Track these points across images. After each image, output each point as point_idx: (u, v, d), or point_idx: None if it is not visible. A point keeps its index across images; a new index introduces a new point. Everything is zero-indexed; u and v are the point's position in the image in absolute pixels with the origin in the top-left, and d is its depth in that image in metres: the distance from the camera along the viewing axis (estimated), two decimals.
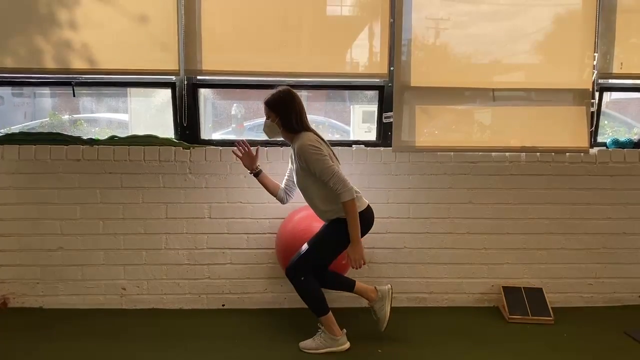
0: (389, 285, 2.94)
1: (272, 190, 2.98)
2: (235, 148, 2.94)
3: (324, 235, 2.75)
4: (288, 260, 2.83)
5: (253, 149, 2.95)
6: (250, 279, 3.36)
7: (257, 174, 2.96)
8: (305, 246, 2.75)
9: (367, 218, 2.76)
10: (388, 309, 2.87)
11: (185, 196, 3.29)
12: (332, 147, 2.79)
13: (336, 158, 2.78)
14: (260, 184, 2.98)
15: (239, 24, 3.36)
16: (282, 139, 2.81)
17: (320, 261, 2.78)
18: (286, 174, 3.00)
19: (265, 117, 2.78)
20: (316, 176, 2.63)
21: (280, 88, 2.75)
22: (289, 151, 3.24)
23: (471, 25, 3.43)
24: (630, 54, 3.49)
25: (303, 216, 3.08)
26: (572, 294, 3.47)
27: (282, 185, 2.99)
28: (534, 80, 3.46)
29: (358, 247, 2.65)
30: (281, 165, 3.22)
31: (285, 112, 2.70)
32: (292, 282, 2.74)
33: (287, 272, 2.76)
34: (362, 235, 2.72)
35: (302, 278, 2.71)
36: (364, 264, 2.68)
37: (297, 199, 3.14)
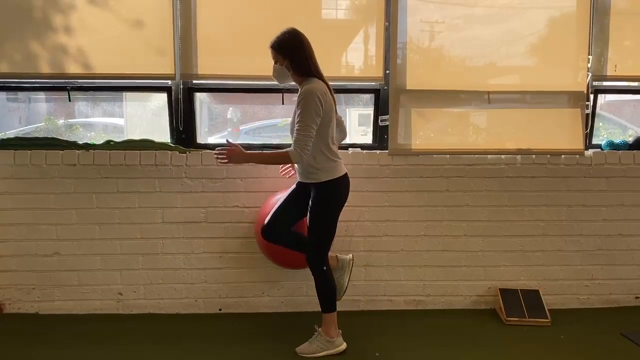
0: (351, 255, 2.92)
1: None
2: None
3: (316, 214, 2.67)
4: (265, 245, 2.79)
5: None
6: (248, 283, 3.36)
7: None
8: (307, 234, 2.72)
9: (345, 184, 2.72)
10: (346, 279, 2.85)
11: (182, 200, 3.29)
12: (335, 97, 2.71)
13: (336, 114, 2.72)
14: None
15: (234, 28, 3.36)
16: (293, 83, 2.72)
17: (329, 238, 2.72)
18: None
19: (273, 62, 2.69)
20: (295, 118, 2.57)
21: (285, 29, 2.66)
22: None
23: (466, 28, 3.44)
24: (624, 57, 3.51)
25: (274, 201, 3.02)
26: (568, 296, 3.48)
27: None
28: (529, 83, 3.47)
29: (243, 157, 2.60)
30: (278, 169, 3.22)
31: (293, 53, 2.61)
32: (314, 273, 2.72)
33: (309, 264, 2.72)
34: (341, 200, 2.69)
35: (324, 268, 2.71)
36: (224, 161, 2.59)
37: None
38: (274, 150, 2.65)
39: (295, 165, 2.76)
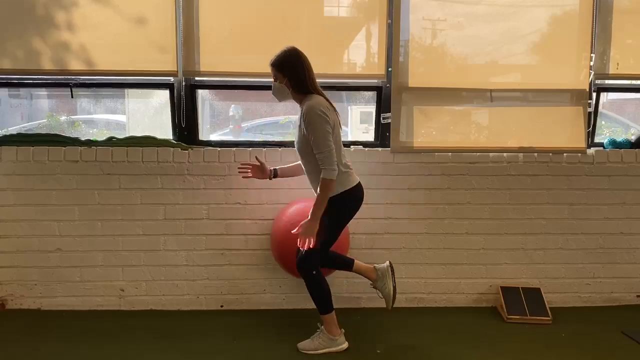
0: (388, 262, 2.91)
1: (298, 172, 2.93)
2: (243, 172, 2.94)
3: (322, 223, 2.67)
4: (284, 258, 2.81)
5: (253, 162, 2.94)
6: (249, 279, 3.36)
7: (274, 175, 2.96)
8: None
9: (356, 195, 2.73)
10: (391, 285, 2.85)
11: (184, 197, 3.29)
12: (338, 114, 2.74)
13: (341, 128, 2.74)
14: (283, 178, 2.99)
15: (236, 25, 3.36)
16: (292, 100, 2.75)
17: (327, 247, 2.74)
18: None
19: (272, 80, 2.73)
20: (310, 142, 2.59)
21: (285, 47, 2.70)
22: (288, 152, 3.25)
23: (468, 26, 3.44)
24: (627, 55, 3.50)
25: (294, 211, 3.05)
26: (570, 294, 3.48)
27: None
28: (531, 81, 3.47)
29: (313, 224, 2.59)
30: (279, 166, 3.23)
31: (293, 71, 2.64)
32: (304, 276, 2.72)
33: (299, 267, 2.73)
34: (351, 213, 2.72)
35: (314, 272, 2.70)
36: (311, 245, 2.60)
37: (295, 197, 3.16)
38: (317, 195, 2.62)
39: (308, 180, 2.78)
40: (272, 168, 3.01)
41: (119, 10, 3.27)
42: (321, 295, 2.73)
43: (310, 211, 2.61)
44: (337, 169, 2.58)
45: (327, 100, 2.68)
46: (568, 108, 3.48)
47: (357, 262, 2.90)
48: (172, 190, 3.29)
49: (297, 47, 2.70)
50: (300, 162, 2.85)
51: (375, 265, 2.91)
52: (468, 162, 3.38)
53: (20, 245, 3.27)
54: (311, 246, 2.61)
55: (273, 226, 3.18)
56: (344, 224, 2.76)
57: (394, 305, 2.91)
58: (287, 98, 2.74)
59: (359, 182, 2.76)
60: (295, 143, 2.76)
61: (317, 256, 2.70)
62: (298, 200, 3.16)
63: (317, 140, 2.56)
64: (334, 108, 2.70)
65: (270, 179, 3.00)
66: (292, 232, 2.68)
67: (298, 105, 2.73)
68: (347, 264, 2.90)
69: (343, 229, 2.78)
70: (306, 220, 2.62)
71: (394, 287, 2.86)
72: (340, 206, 2.68)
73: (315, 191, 2.73)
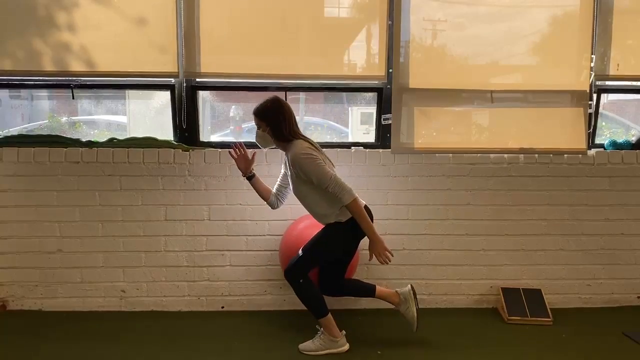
0: (409, 286, 2.93)
1: (264, 195, 2.94)
2: (232, 149, 2.92)
3: (318, 239, 2.74)
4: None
5: (250, 151, 2.91)
6: (250, 280, 3.37)
7: (250, 177, 2.93)
8: (301, 250, 2.76)
9: (356, 229, 2.73)
10: (414, 309, 2.87)
11: (185, 198, 3.29)
12: (325, 151, 2.80)
13: (330, 162, 2.79)
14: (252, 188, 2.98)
15: (237, 26, 3.36)
16: (275, 147, 2.82)
17: (314, 264, 2.78)
18: (279, 179, 2.97)
19: (256, 128, 2.78)
20: (314, 183, 2.63)
21: (268, 97, 2.76)
22: (287, 179, 3.24)
23: (468, 27, 3.44)
24: (627, 56, 3.51)
25: (311, 224, 3.04)
26: (570, 295, 3.48)
27: (274, 190, 2.97)
28: (532, 82, 3.47)
29: (377, 243, 2.66)
30: (280, 167, 3.23)
31: (274, 121, 2.70)
32: (291, 285, 2.74)
33: (286, 275, 2.76)
34: (361, 237, 2.74)
35: (301, 281, 2.71)
36: (390, 255, 2.68)
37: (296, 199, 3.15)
38: (355, 217, 2.64)
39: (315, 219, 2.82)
40: (253, 170, 2.94)
41: (120, 12, 3.27)
42: (312, 301, 2.74)
43: (367, 236, 2.67)
44: (350, 188, 2.61)
45: (309, 141, 2.72)
46: (569, 109, 3.48)
47: (379, 288, 2.92)
48: (173, 191, 3.29)
49: (279, 97, 2.76)
50: (274, 193, 2.95)
51: (398, 290, 2.92)
52: (469, 163, 3.39)
53: (21, 246, 3.28)
54: (389, 260, 2.68)
55: (282, 243, 3.17)
56: (339, 253, 2.78)
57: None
58: (270, 145, 2.80)
59: (366, 205, 2.75)
60: (292, 189, 2.79)
61: (304, 267, 2.72)
62: (304, 217, 3.16)
63: (319, 177, 2.60)
64: (317, 147, 2.74)
65: (244, 176, 2.92)
66: (369, 260, 2.72)
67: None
68: (369, 291, 2.91)
69: (354, 254, 2.83)
70: (369, 244, 2.68)
71: (417, 310, 2.87)
72: (339, 236, 2.71)
73: (323, 223, 2.77)
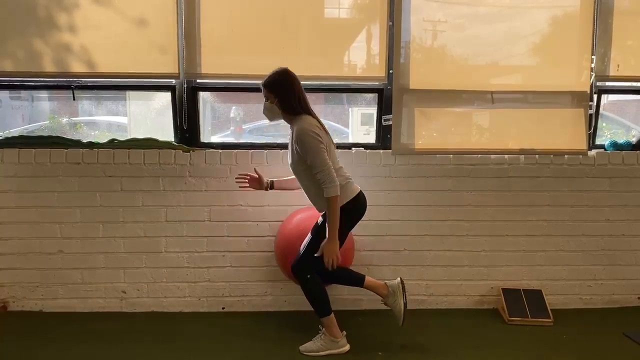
0: (399, 279, 2.90)
1: (293, 186, 2.95)
2: (240, 183, 2.98)
3: (316, 231, 2.72)
4: (287, 262, 2.83)
5: (252, 172, 2.98)
6: (250, 281, 3.37)
7: (271, 186, 2.99)
8: (304, 244, 2.74)
9: (359, 205, 2.74)
10: (402, 302, 2.83)
11: (185, 199, 3.30)
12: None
13: (334, 146, 2.76)
14: (280, 191, 3.03)
15: (237, 27, 3.36)
16: (282, 120, 2.77)
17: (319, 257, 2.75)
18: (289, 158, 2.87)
19: (264, 99, 2.74)
20: (308, 164, 2.61)
21: (277, 69, 2.72)
22: (288, 154, 3.25)
23: (469, 28, 3.44)
24: (627, 56, 3.51)
25: (303, 217, 3.08)
26: (571, 296, 3.48)
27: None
28: (532, 83, 3.47)
29: (333, 245, 2.60)
30: (281, 168, 3.23)
31: (283, 92, 2.66)
32: (298, 280, 2.73)
33: (293, 271, 2.75)
34: (354, 222, 2.73)
35: (308, 276, 2.71)
36: (338, 262, 2.62)
37: (296, 201, 3.16)
38: (328, 215, 2.60)
39: (308, 198, 2.78)
40: (269, 180, 3.03)
41: (121, 12, 3.27)
42: (317, 298, 2.74)
43: (327, 233, 2.61)
44: (338, 183, 2.59)
45: (318, 120, 2.70)
46: (569, 110, 3.48)
47: (368, 278, 2.89)
48: (174, 192, 3.29)
49: (288, 68, 2.72)
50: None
51: (387, 281, 2.90)
52: (469, 164, 3.39)
53: (22, 247, 3.28)
54: (333, 266, 2.61)
55: (277, 239, 3.18)
56: (344, 234, 2.73)
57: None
58: (278, 118, 2.76)
59: (360, 191, 2.76)
60: (289, 164, 2.78)
61: (311, 262, 2.71)
62: (299, 210, 3.17)
63: (314, 160, 2.58)
64: (325, 128, 2.71)
65: (266, 189, 3.03)
66: (315, 255, 2.67)
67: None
68: (358, 280, 2.88)
69: (345, 240, 2.76)
70: (325, 241, 2.62)
71: (405, 304, 2.84)
72: (346, 215, 2.67)
73: (317, 208, 2.76)
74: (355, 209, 2.72)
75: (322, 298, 2.74)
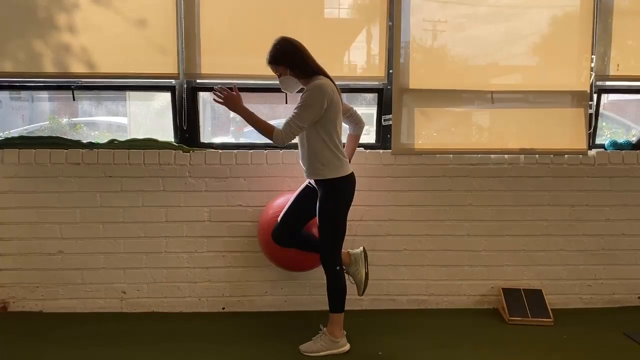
0: (362, 248, 2.90)
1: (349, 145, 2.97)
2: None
3: (325, 213, 2.68)
4: (271, 245, 2.83)
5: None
6: (250, 282, 3.36)
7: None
8: (319, 234, 2.72)
9: (350, 184, 2.72)
10: (363, 272, 2.84)
11: (185, 199, 3.30)
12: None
13: (341, 102, 2.72)
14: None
15: (237, 27, 3.37)
16: (302, 88, 2.68)
17: (341, 236, 2.72)
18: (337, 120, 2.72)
19: (277, 76, 2.70)
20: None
21: (274, 41, 2.66)
22: (289, 154, 3.26)
23: (469, 28, 3.44)
24: (627, 56, 3.51)
25: (281, 202, 3.02)
26: (571, 296, 3.48)
27: (345, 124, 2.91)
28: (532, 83, 3.47)
29: (237, 106, 2.62)
30: (281, 168, 3.24)
31: (290, 59, 2.62)
32: (328, 272, 2.72)
33: (323, 264, 2.73)
34: (345, 203, 2.70)
35: (338, 268, 2.71)
36: (219, 100, 2.61)
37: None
38: (265, 121, 2.61)
39: (300, 161, 2.76)
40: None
41: (121, 13, 3.27)
42: (338, 292, 2.73)
43: (248, 109, 2.62)
44: (284, 142, 2.55)
45: (332, 81, 2.67)
46: (569, 109, 3.48)
47: None
48: (174, 193, 3.29)
49: (285, 36, 2.67)
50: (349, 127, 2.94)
51: (349, 250, 2.90)
52: (469, 163, 3.39)
53: (22, 247, 3.28)
54: (220, 95, 2.60)
55: (260, 216, 3.14)
56: (345, 211, 2.72)
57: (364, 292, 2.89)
58: (297, 87, 2.71)
59: (352, 172, 2.74)
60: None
61: (337, 249, 2.71)
62: (283, 193, 3.15)
63: (300, 110, 2.54)
64: (338, 89, 2.68)
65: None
66: (213, 99, 2.64)
67: None
68: (318, 248, 2.81)
69: (346, 217, 2.74)
70: (239, 101, 2.62)
71: (367, 274, 2.85)
72: (338, 191, 2.67)
73: (306, 173, 2.72)
74: (346, 187, 2.69)
75: (342, 294, 2.74)
